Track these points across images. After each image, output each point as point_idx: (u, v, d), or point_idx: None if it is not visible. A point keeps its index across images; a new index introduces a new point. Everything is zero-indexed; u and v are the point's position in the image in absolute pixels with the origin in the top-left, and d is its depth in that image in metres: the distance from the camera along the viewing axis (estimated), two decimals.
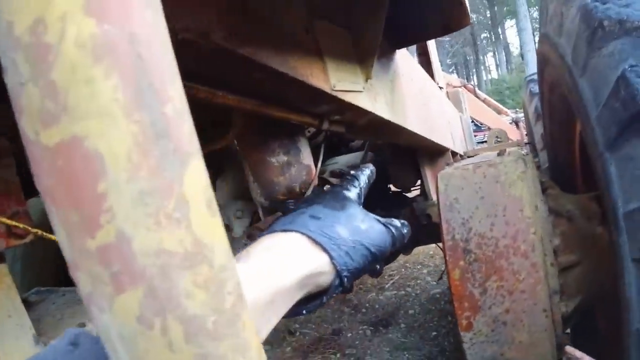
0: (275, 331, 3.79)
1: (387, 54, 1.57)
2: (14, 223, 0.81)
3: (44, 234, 0.86)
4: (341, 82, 1.07)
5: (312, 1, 1.01)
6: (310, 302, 0.66)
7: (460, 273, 1.45)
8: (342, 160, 2.96)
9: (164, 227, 0.23)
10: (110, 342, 0.24)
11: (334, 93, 1.03)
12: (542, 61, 1.77)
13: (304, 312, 0.67)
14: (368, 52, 1.25)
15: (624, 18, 0.98)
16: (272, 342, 3.61)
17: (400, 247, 0.79)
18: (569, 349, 0.78)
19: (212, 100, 0.84)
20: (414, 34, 1.65)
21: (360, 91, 1.20)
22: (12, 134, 0.90)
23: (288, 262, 0.60)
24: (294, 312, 0.63)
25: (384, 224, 0.76)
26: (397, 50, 1.67)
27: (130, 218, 0.22)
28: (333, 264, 0.62)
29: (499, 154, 1.60)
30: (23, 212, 0.88)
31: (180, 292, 0.24)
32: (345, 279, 0.64)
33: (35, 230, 0.84)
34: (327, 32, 1.10)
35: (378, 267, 0.79)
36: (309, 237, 0.65)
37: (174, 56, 0.24)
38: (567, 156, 2.18)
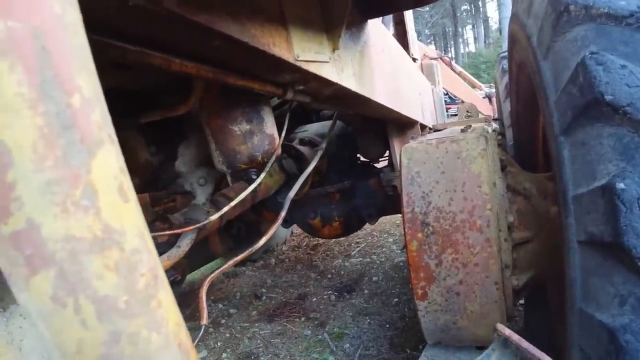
0: (242, 295, 3.83)
1: (357, 23, 1.54)
2: None
3: None
4: (305, 52, 1.05)
5: None
6: None
7: (417, 244, 1.49)
8: (312, 129, 2.95)
9: (71, 215, 0.24)
10: (31, 319, 0.26)
11: (298, 63, 1.01)
12: (512, 40, 1.78)
13: None
14: (336, 21, 1.23)
15: (590, 4, 0.98)
16: (239, 305, 3.66)
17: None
18: (499, 326, 0.82)
19: (168, 67, 0.81)
20: (386, 5, 1.62)
21: (326, 62, 1.19)
22: None
23: None
24: None
25: None
26: (369, 20, 1.65)
27: (38, 206, 0.23)
28: None
29: (462, 130, 1.63)
30: None
31: (90, 274, 0.25)
32: None
33: None
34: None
35: None
36: None
37: (86, 42, 0.24)
38: (530, 135, 2.22)
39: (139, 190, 1.77)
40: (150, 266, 0.27)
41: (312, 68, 1.10)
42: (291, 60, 0.99)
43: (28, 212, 0.23)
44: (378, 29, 1.84)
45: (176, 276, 1.74)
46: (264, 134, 1.32)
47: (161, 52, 0.80)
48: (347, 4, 1.20)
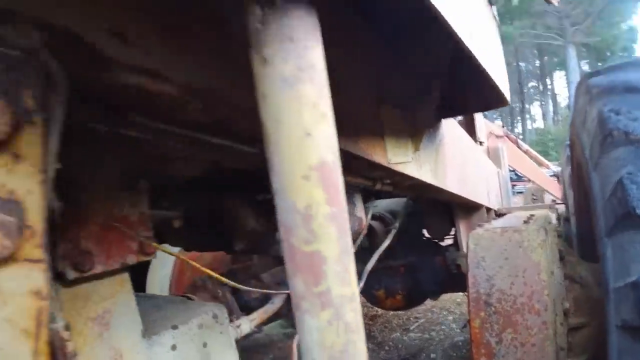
0: None
1: (434, 125, 1.83)
2: (152, 243, 1.11)
3: (166, 251, 1.15)
4: (396, 156, 1.34)
5: (381, 91, 1.29)
6: None
7: (480, 322, 1.66)
8: (382, 204, 3.20)
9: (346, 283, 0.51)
10: (307, 333, 0.51)
11: (390, 166, 1.30)
12: (572, 142, 2.00)
13: None
14: (420, 129, 1.51)
15: (630, 130, 1.22)
16: None
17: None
18: None
19: None
20: (458, 109, 1.90)
21: (409, 161, 1.47)
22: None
23: None
24: None
25: None
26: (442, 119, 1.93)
27: (337, 280, 0.51)
28: None
29: (525, 222, 1.83)
30: (150, 235, 1.18)
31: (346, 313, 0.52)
32: None
33: (162, 248, 1.12)
34: (389, 114, 1.37)
35: None
36: None
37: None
38: (590, 225, 2.35)
39: (243, 252, 2.10)
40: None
41: (399, 167, 1.38)
42: (385, 163, 1.28)
43: (329, 284, 0.50)
44: (450, 125, 2.12)
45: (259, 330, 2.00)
46: (355, 216, 1.61)
47: None
48: (430, 115, 1.49)
